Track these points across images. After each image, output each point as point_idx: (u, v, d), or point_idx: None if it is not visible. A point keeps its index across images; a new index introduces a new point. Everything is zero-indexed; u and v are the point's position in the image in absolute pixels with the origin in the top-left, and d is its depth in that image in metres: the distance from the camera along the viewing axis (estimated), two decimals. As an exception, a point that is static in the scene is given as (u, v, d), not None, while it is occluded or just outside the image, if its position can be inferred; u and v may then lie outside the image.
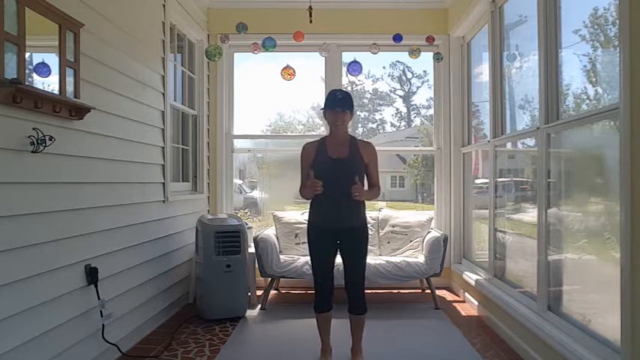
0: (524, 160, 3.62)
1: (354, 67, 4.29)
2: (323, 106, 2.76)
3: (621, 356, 1.96)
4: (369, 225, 2.87)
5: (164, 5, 3.66)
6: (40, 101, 2.10)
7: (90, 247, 2.62)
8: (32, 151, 2.10)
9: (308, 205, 2.85)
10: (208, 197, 4.74)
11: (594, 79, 2.58)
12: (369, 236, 2.86)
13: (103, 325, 2.69)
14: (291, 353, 3.01)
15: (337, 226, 2.71)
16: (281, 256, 4.06)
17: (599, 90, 2.55)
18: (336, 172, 2.67)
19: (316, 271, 2.81)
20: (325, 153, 2.72)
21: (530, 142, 3.31)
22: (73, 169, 2.47)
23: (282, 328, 3.53)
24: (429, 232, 4.26)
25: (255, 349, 3.10)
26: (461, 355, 3.00)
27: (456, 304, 4.19)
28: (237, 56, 4.90)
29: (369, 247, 2.87)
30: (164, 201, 3.62)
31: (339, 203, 2.68)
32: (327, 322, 2.84)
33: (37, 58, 2.21)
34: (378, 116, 11.65)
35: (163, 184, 3.61)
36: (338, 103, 2.70)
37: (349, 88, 8.26)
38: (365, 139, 2.98)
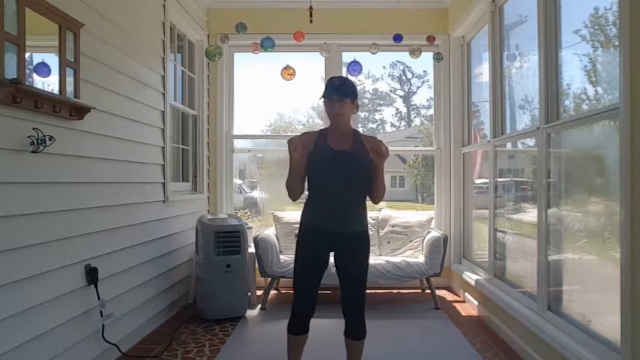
0: (524, 160, 3.62)
1: (354, 67, 4.29)
2: (322, 95, 2.34)
3: (621, 356, 1.96)
4: (368, 225, 2.66)
5: (164, 5, 3.66)
6: (40, 101, 2.10)
7: (90, 247, 2.62)
8: (32, 151, 2.10)
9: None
10: (208, 197, 4.74)
11: (594, 79, 2.58)
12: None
13: (103, 325, 2.69)
14: (291, 353, 3.00)
15: (334, 228, 2.32)
16: (281, 256, 4.06)
17: (599, 90, 2.54)
18: (339, 165, 2.29)
19: (297, 292, 2.42)
20: (326, 143, 2.33)
21: (530, 142, 3.31)
22: (73, 169, 2.47)
23: (282, 328, 3.50)
24: (429, 232, 4.26)
25: (255, 349, 3.10)
26: (461, 355, 2.99)
27: (456, 304, 4.19)
28: (237, 56, 4.90)
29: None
30: (164, 201, 3.62)
31: (341, 201, 2.30)
32: (300, 344, 2.50)
33: (37, 58, 2.21)
34: (378, 116, 11.67)
35: (163, 184, 3.61)
36: (335, 90, 2.29)
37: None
38: (369, 134, 2.61)
